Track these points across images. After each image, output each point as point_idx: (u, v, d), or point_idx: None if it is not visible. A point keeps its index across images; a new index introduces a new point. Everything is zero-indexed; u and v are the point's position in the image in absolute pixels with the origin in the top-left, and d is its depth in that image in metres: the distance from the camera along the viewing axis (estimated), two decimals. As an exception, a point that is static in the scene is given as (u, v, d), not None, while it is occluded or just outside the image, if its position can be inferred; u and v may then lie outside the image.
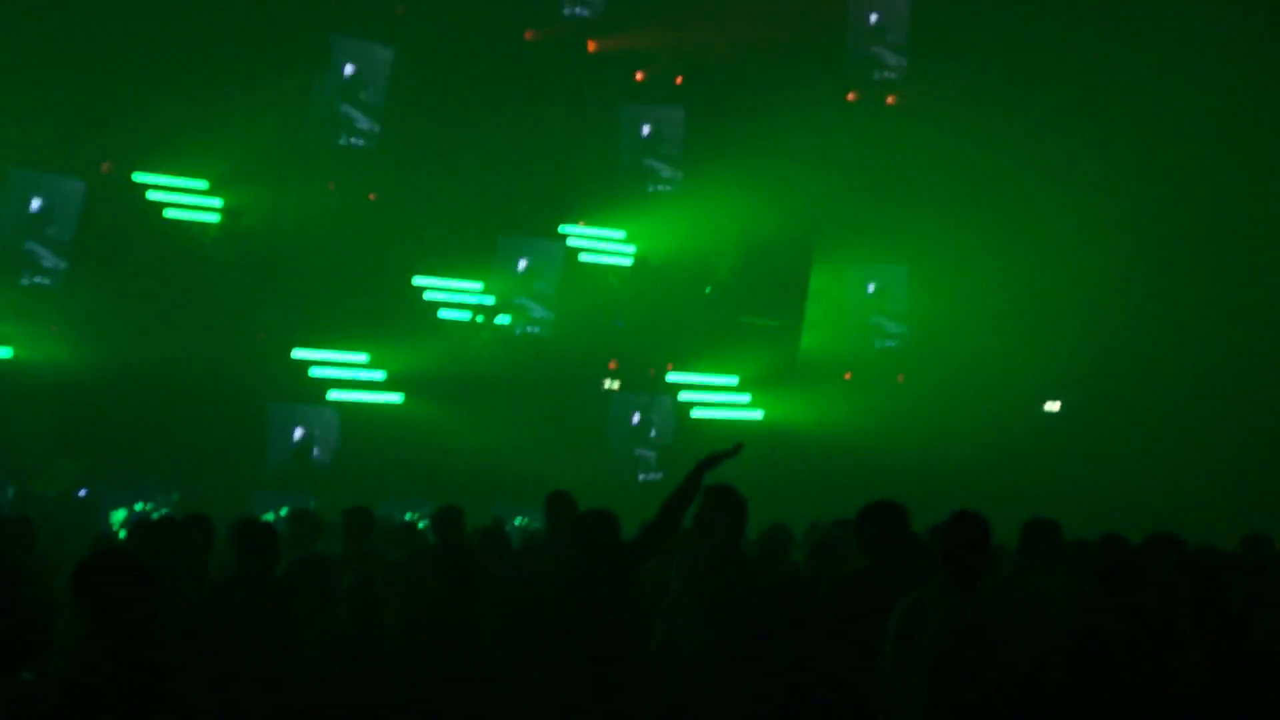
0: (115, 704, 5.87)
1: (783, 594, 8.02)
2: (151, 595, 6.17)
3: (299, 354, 20.29)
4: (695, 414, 21.74)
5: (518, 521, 15.67)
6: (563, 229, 22.65)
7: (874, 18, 23.17)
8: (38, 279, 19.58)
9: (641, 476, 20.42)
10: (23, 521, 10.07)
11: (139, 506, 16.67)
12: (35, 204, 19.67)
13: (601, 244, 23.17)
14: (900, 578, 6.78)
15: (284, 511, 15.14)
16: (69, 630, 7.33)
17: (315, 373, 20.41)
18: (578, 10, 22.65)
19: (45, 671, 6.93)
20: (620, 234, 23.16)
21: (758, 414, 21.95)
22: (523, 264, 22.34)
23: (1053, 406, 22.04)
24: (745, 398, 22.25)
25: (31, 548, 9.55)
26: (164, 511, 15.96)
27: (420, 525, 12.34)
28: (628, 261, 23.23)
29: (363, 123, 21.73)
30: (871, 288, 23.32)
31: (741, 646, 7.42)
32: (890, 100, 23.29)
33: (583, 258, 22.77)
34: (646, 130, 23.16)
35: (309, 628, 7.98)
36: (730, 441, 7.57)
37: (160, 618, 6.32)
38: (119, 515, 16.33)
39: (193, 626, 7.73)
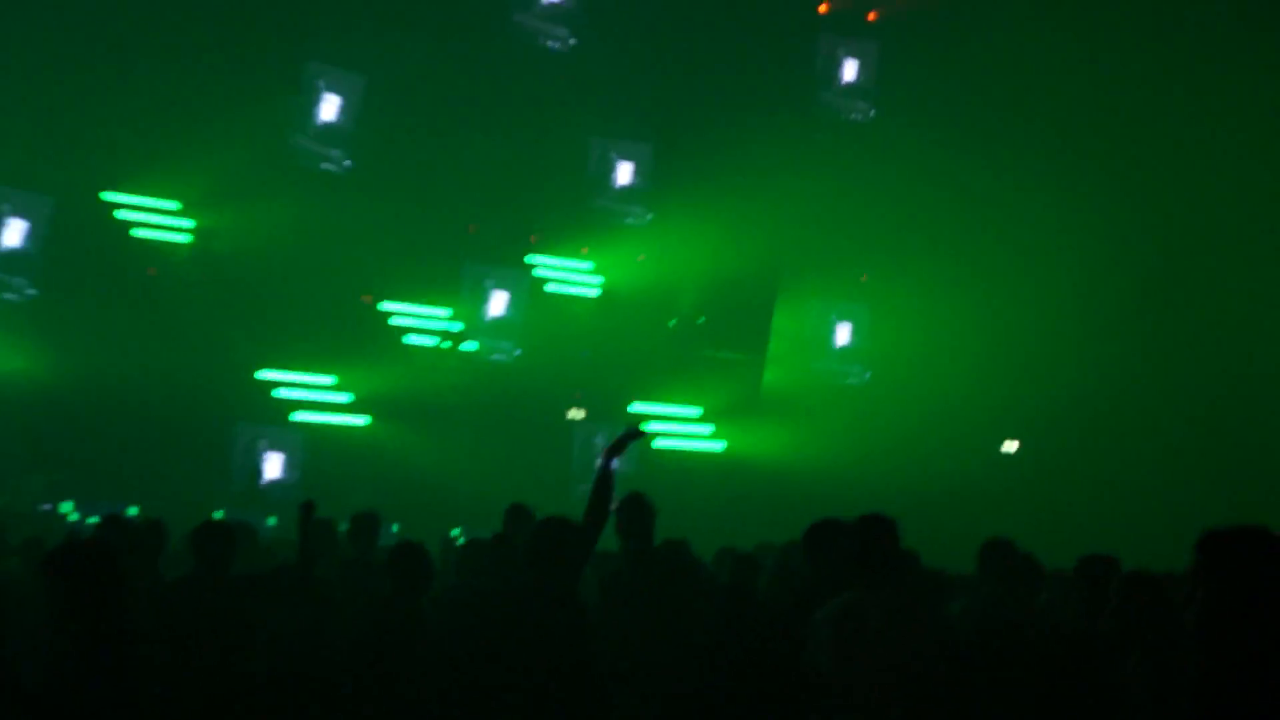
0: (83, 688, 5.90)
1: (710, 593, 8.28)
2: (120, 583, 6.22)
3: (264, 375, 20.38)
4: (657, 444, 21.47)
5: (454, 533, 15.56)
6: (529, 259, 22.69)
7: (843, 66, 23.29)
8: (9, 295, 19.50)
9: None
10: None
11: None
12: (4, 226, 19.79)
13: (568, 274, 23.15)
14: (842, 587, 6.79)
15: (271, 521, 15.28)
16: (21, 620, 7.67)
17: (280, 393, 20.48)
18: (551, 43, 22.46)
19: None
20: (587, 265, 23.17)
21: (720, 445, 22.11)
22: (491, 292, 22.33)
23: (1010, 446, 22.28)
24: (708, 429, 22.36)
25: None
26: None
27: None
28: (594, 292, 23.17)
29: (334, 149, 21.68)
30: (834, 326, 23.27)
31: (670, 639, 7.48)
32: (853, 139, 23.30)
33: (549, 288, 22.79)
34: (617, 164, 23.06)
35: (261, 628, 7.97)
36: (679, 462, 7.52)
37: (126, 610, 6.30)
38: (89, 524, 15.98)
39: (147, 623, 7.58)
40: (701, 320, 23.25)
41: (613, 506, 7.75)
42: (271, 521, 14.28)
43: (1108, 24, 21.01)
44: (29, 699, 6.02)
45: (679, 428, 22.29)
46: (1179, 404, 20.83)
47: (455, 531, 15.88)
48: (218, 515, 13.38)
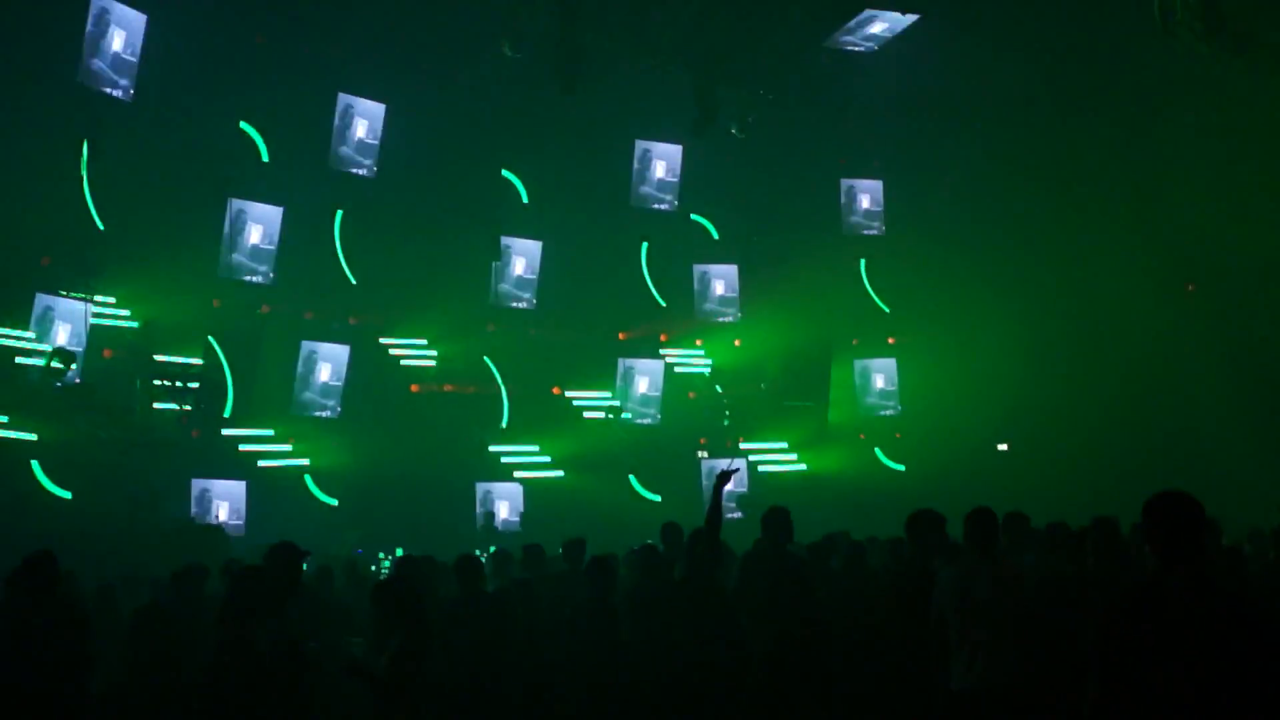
0: (409, 674, 6.53)
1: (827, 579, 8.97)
2: (420, 602, 6.92)
3: (493, 448, 22.08)
4: (761, 469, 22.68)
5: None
6: (661, 351, 24.34)
7: (859, 199, 24.96)
8: (324, 414, 21.32)
9: (727, 516, 18.72)
10: (325, 570, 11.46)
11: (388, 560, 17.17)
12: (319, 367, 21.48)
13: (688, 360, 24.78)
14: (932, 562, 7.46)
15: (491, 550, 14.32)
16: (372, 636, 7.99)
17: (504, 460, 22.07)
18: (661, 206, 24.28)
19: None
20: (700, 352, 24.86)
21: (803, 466, 23.55)
22: (636, 377, 24.03)
23: (1003, 447, 23.19)
24: (794, 456, 23.82)
25: (331, 586, 10.61)
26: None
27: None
28: (707, 370, 24.76)
29: (524, 294, 23.56)
30: (873, 375, 24.91)
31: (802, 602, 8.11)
32: (875, 249, 24.79)
33: (676, 370, 24.42)
34: (714, 283, 24.86)
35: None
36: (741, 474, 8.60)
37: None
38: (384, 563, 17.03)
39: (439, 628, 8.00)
40: (781, 380, 24.40)
41: (737, 516, 8.97)
42: (491, 550, 13.54)
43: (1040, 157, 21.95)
44: (378, 681, 6.47)
45: (775, 456, 23.68)
46: (1106, 413, 21.56)
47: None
48: (477, 552, 12.55)
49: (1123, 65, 20.01)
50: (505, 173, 23.24)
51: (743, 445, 23.65)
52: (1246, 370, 20.38)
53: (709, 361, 24.91)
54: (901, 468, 23.64)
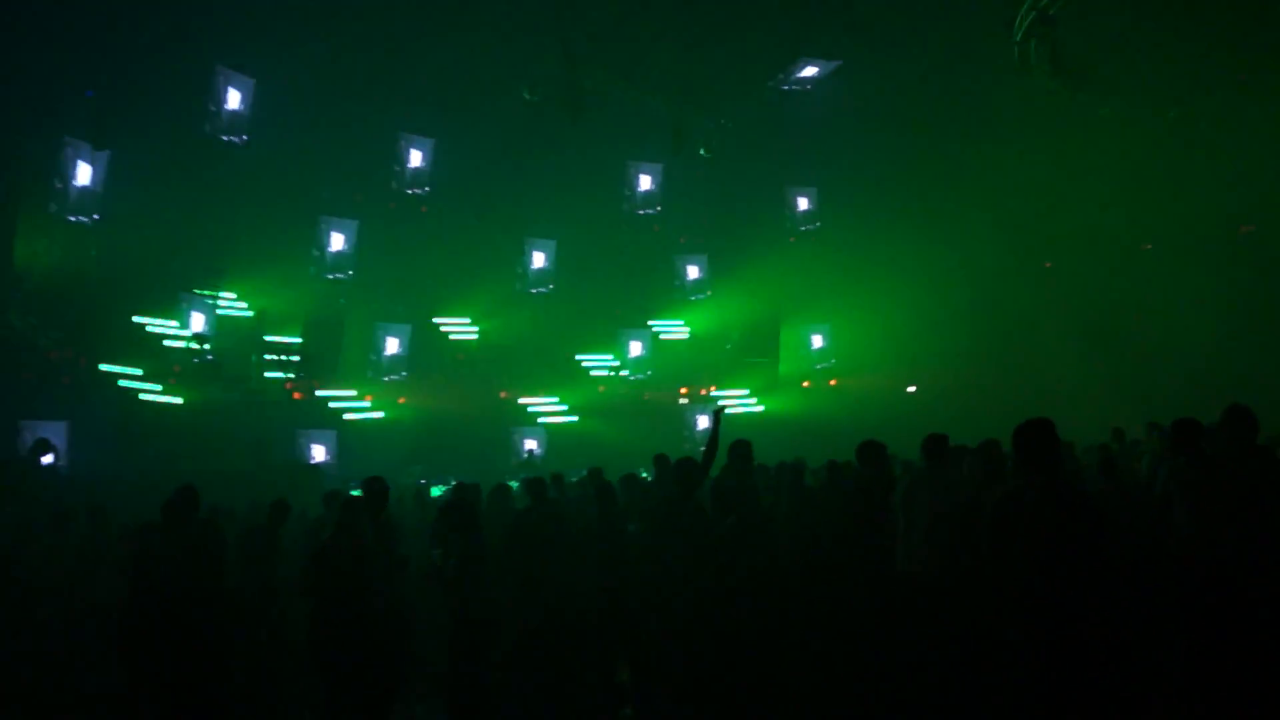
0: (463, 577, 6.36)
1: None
2: (477, 517, 6.75)
3: (522, 400, 22.97)
4: (728, 411, 21.68)
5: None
6: (650, 322, 25.04)
7: (799, 201, 25.38)
8: (393, 377, 22.29)
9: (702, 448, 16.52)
10: (398, 499, 11.36)
11: (440, 489, 16.32)
12: (388, 342, 22.78)
13: (671, 329, 25.33)
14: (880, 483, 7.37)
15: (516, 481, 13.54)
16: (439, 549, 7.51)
17: (530, 409, 23.02)
18: (648, 210, 24.67)
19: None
20: (680, 323, 25.39)
21: (760, 408, 23.73)
22: (630, 343, 24.82)
23: (912, 389, 23.24)
24: (753, 400, 24.06)
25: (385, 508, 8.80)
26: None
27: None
28: (686, 336, 25.24)
29: (548, 284, 24.36)
30: (812, 337, 25.13)
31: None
32: (812, 240, 24.79)
33: (662, 337, 25.11)
34: (689, 268, 25.48)
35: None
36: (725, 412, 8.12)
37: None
38: (435, 491, 15.90)
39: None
40: (741, 342, 24.77)
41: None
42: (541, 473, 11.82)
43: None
44: (449, 581, 6.45)
45: (739, 401, 23.54)
46: (987, 361, 21.71)
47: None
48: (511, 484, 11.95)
49: (993, 95, 20.03)
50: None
51: (714, 392, 24.17)
52: (1092, 326, 20.68)
53: (687, 329, 25.49)
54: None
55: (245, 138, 20.43)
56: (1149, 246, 21.72)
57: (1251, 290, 19.11)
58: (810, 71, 22.50)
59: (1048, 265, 23.01)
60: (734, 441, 8.08)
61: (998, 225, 21.94)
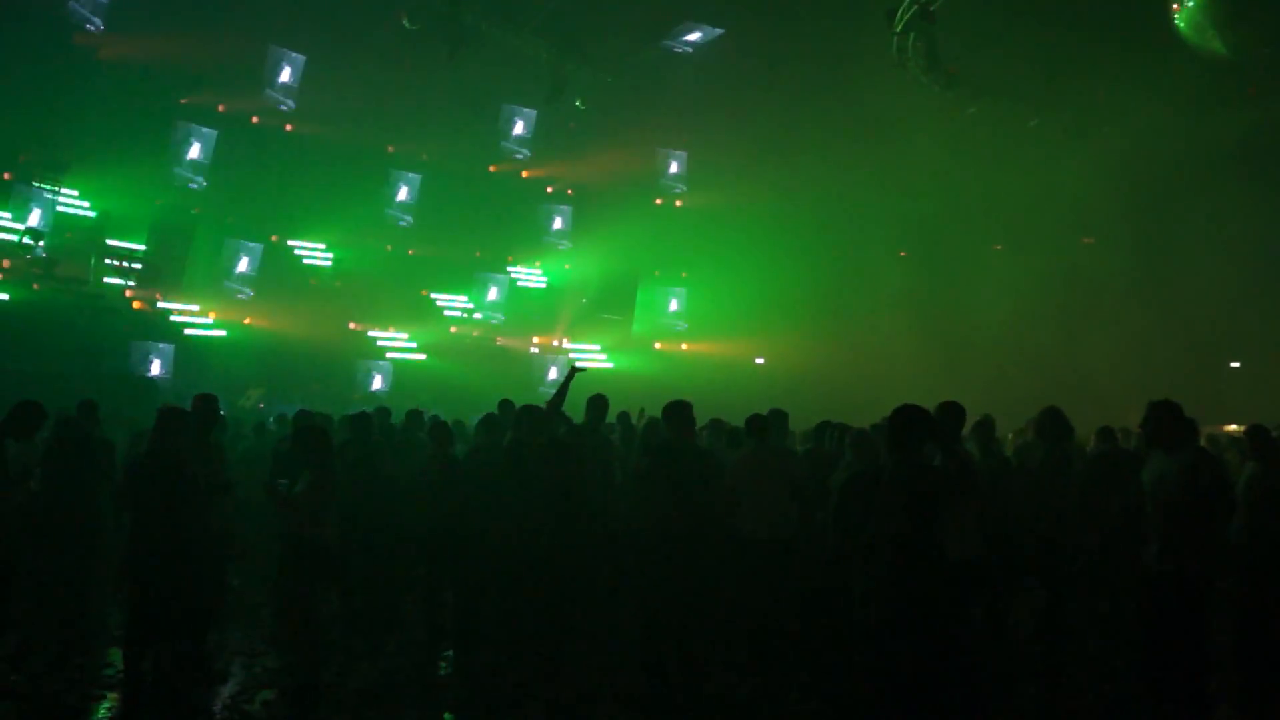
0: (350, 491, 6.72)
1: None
2: (331, 445, 6.59)
3: (372, 333, 22.65)
4: (579, 365, 22.75)
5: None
6: (509, 268, 25.13)
7: (670, 162, 25.85)
8: (240, 295, 21.56)
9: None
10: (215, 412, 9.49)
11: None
12: (239, 259, 21.95)
13: (529, 276, 25.55)
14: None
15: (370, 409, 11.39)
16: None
17: (380, 343, 22.67)
18: (518, 154, 24.85)
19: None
20: (539, 271, 25.63)
21: (610, 365, 23.85)
22: (489, 287, 24.80)
23: (760, 360, 24.11)
24: (604, 356, 24.34)
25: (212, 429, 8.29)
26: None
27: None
28: (543, 285, 25.47)
29: (406, 214, 24.00)
30: (669, 299, 25.85)
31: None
32: (678, 204, 25.61)
33: (519, 283, 25.29)
34: (554, 218, 25.65)
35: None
36: (578, 370, 8.28)
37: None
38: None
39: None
40: (597, 297, 24.90)
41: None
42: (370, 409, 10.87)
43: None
44: (291, 502, 6.18)
45: (590, 356, 23.68)
46: (836, 340, 22.16)
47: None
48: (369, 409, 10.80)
49: (868, 84, 19.71)
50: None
51: (566, 344, 24.46)
52: (939, 307, 21.54)
53: (545, 279, 25.70)
54: None
55: (102, 25, 19.46)
56: (1000, 248, 22.56)
57: (1090, 299, 20.34)
58: (694, 36, 22.72)
59: (902, 254, 23.66)
60: (670, 405, 7.54)
61: (859, 214, 22.66)
